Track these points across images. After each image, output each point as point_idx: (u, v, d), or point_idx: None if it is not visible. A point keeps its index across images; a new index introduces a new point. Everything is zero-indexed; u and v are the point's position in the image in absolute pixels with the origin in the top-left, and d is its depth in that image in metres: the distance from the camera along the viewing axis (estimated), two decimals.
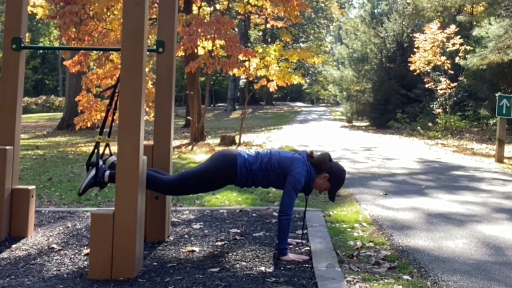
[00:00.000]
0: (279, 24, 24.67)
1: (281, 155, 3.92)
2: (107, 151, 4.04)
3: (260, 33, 43.86)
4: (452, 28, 17.31)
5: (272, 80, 13.43)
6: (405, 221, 5.07)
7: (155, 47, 4.22)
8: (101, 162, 3.83)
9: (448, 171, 8.71)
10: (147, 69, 10.32)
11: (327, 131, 20.22)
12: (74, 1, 12.06)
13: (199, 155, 11.37)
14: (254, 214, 5.21)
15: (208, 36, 11.72)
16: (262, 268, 3.46)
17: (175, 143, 14.14)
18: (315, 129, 21.61)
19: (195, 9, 15.09)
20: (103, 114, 12.18)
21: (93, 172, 3.78)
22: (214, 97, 47.66)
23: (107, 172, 3.77)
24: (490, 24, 13.85)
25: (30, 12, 16.18)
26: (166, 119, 4.20)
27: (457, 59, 16.41)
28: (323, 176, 3.87)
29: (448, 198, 6.25)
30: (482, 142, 14.59)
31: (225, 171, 3.82)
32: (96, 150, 3.85)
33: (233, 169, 3.80)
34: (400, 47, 21.93)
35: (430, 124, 18.59)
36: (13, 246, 3.97)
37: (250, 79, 14.16)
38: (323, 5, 42.99)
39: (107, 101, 13.08)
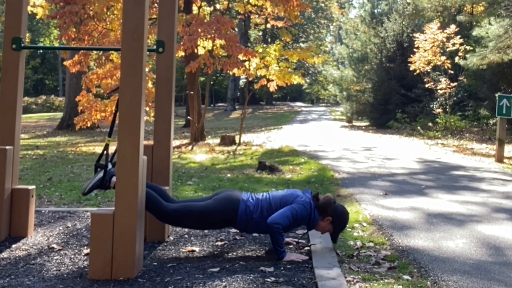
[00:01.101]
0: (279, 24, 24.67)
1: (281, 195, 3.91)
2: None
3: (260, 33, 43.85)
4: (452, 28, 17.31)
5: (272, 80, 13.43)
6: (405, 221, 5.07)
7: (155, 47, 4.22)
8: (110, 165, 3.82)
9: (448, 171, 8.71)
10: (147, 69, 10.32)
11: (327, 131, 20.22)
12: (74, 1, 12.06)
13: (199, 155, 11.37)
14: None
15: (208, 36, 11.72)
16: (262, 268, 3.46)
17: (175, 143, 14.14)
18: (315, 129, 21.61)
19: (195, 9, 15.09)
20: (103, 114, 12.19)
21: (101, 174, 3.78)
22: (214, 97, 47.65)
23: (114, 179, 3.72)
24: (490, 24, 13.85)
25: (30, 12, 16.18)
26: (166, 119, 4.20)
27: (457, 59, 16.42)
28: (326, 219, 3.88)
29: (448, 198, 6.25)
30: (482, 142, 14.59)
31: (225, 215, 3.80)
32: (105, 152, 3.85)
33: (234, 215, 3.79)
34: (400, 47, 21.93)
35: (430, 124, 18.59)
36: (13, 246, 3.97)
37: (250, 79, 14.16)
38: (323, 5, 43.00)
39: (107, 101, 13.12)
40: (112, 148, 3.93)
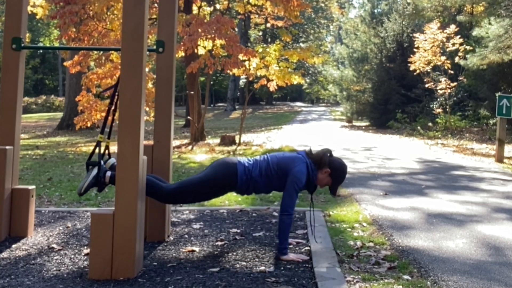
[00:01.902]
0: (279, 24, 24.70)
1: (279, 157, 3.92)
2: (107, 152, 4.03)
3: (260, 33, 43.85)
4: (452, 28, 17.31)
5: (272, 80, 13.43)
6: (405, 221, 5.07)
7: (155, 47, 4.22)
8: (102, 162, 3.82)
9: (448, 171, 8.71)
10: (147, 69, 10.32)
11: (327, 131, 20.22)
12: (74, 1, 12.05)
13: (199, 155, 11.37)
14: (254, 214, 5.21)
15: (209, 36, 11.71)
16: (262, 268, 3.46)
17: (175, 143, 14.14)
18: (315, 129, 21.60)
19: (195, 9, 15.09)
20: (103, 114, 12.17)
21: (94, 171, 3.77)
22: (214, 97, 47.66)
23: (108, 173, 3.75)
24: (490, 24, 13.85)
25: (30, 12, 16.17)
26: (166, 119, 4.20)
27: (457, 59, 16.41)
28: (324, 171, 3.86)
29: (448, 198, 6.25)
30: (482, 142, 14.59)
31: (225, 179, 3.81)
32: (97, 149, 3.85)
33: (234, 177, 3.79)
34: (400, 47, 21.93)
35: (430, 124, 18.59)
36: (13, 246, 3.97)
37: (250, 79, 14.16)
38: (323, 5, 42.98)
39: (107, 101, 13.10)
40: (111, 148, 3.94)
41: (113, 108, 4.03)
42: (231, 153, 11.89)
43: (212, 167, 3.90)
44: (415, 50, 18.46)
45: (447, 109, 18.22)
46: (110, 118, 4.00)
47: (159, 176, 4.17)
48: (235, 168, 3.81)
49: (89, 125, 12.90)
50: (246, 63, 12.81)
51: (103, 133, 3.95)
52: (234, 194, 6.35)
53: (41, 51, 48.96)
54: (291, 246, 4.04)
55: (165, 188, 3.82)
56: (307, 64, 36.32)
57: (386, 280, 3.34)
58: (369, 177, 8.02)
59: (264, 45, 16.79)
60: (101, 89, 13.29)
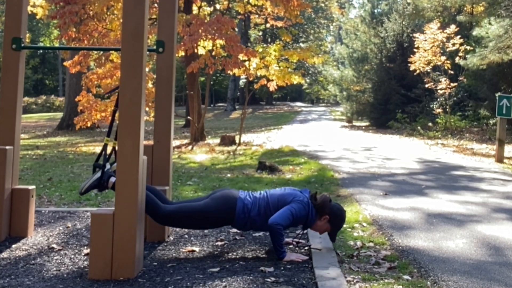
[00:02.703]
0: (279, 24, 24.62)
1: (279, 194, 3.90)
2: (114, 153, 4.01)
3: (260, 33, 43.84)
4: (452, 28, 17.31)
5: (272, 80, 13.43)
6: (405, 221, 5.07)
7: (155, 47, 4.22)
8: (108, 166, 3.82)
9: (448, 171, 8.71)
10: (147, 69, 10.31)
11: (327, 131, 20.22)
12: (74, 1, 12.05)
13: (199, 155, 11.37)
14: None
15: (209, 36, 11.71)
16: (262, 268, 3.46)
17: (175, 143, 14.14)
18: (315, 129, 21.61)
19: (195, 9, 15.09)
20: (103, 114, 12.18)
21: (98, 174, 3.78)
22: (214, 97, 47.64)
23: (113, 179, 3.72)
24: (490, 24, 13.84)
25: (30, 12, 16.17)
26: (166, 119, 4.20)
27: (457, 59, 16.41)
28: (323, 218, 3.87)
29: (448, 198, 6.25)
30: (482, 142, 14.59)
31: (223, 214, 3.79)
32: (103, 152, 3.84)
33: (232, 214, 3.78)
34: (400, 47, 21.93)
35: (430, 124, 18.58)
36: (13, 246, 3.97)
37: (251, 79, 14.16)
38: (323, 5, 42.96)
39: (107, 101, 13.12)
40: (110, 149, 3.93)
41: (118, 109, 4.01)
42: (231, 153, 11.89)
43: (212, 198, 3.87)
44: (415, 50, 18.46)
45: (447, 109, 18.22)
46: (116, 119, 4.00)
47: (160, 175, 4.17)
48: (234, 204, 3.79)
49: (89, 125, 12.91)
50: (246, 63, 12.81)
51: (109, 135, 3.93)
52: None
53: (41, 51, 48.95)
54: (291, 246, 4.04)
55: (162, 209, 3.76)
56: (307, 64, 36.30)
57: (386, 280, 3.34)
58: (369, 177, 8.02)
59: (264, 45, 16.79)
60: (101, 89, 13.29)
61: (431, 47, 17.81)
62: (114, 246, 3.26)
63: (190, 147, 13.39)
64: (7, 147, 4.09)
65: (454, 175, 8.33)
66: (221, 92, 49.07)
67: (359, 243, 4.22)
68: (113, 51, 12.32)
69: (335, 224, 3.93)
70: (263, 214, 3.80)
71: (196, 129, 14.60)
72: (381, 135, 18.31)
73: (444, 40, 17.56)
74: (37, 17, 17.97)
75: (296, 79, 13.34)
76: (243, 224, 3.85)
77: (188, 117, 16.59)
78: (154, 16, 12.84)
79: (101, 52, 13.57)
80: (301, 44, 40.23)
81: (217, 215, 3.79)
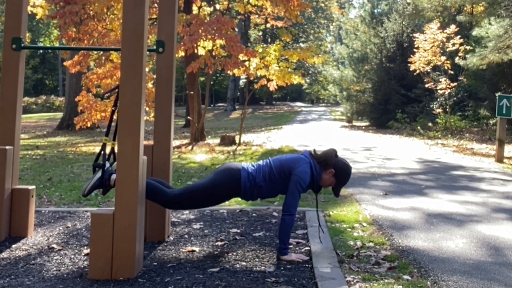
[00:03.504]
0: (279, 24, 24.65)
1: (281, 159, 3.90)
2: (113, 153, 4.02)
3: (260, 33, 43.85)
4: (452, 28, 17.31)
5: (272, 80, 13.43)
6: (405, 221, 5.07)
7: (155, 47, 4.22)
8: (108, 164, 3.82)
9: (448, 171, 8.71)
10: (147, 69, 10.31)
11: (327, 131, 20.22)
12: (74, 1, 12.05)
13: (199, 155, 11.37)
14: (254, 214, 5.21)
15: (209, 36, 11.71)
16: (262, 268, 3.46)
17: (175, 143, 14.14)
18: (315, 129, 21.61)
19: (195, 9, 15.09)
20: (103, 114, 12.18)
21: (99, 174, 3.78)
22: (214, 97, 47.65)
23: (114, 176, 3.72)
24: (490, 24, 13.84)
25: (30, 12, 16.17)
26: (166, 119, 4.20)
27: (457, 59, 16.41)
28: (328, 172, 3.85)
29: (448, 198, 6.25)
30: (482, 142, 14.59)
31: (229, 185, 3.80)
32: (102, 152, 3.84)
33: (237, 183, 3.79)
34: (400, 47, 21.93)
35: (430, 124, 18.58)
36: (13, 246, 3.97)
37: (251, 79, 14.16)
38: (323, 5, 42.96)
39: (107, 101, 13.11)
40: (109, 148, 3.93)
41: (117, 109, 4.02)
42: (231, 153, 11.89)
43: (215, 173, 3.88)
44: (415, 50, 18.46)
45: (447, 109, 18.22)
46: (115, 119, 4.00)
47: (160, 175, 4.17)
48: (238, 174, 3.80)
49: (89, 125, 12.90)
50: (246, 63, 12.81)
51: (107, 135, 3.94)
52: None
53: (41, 51, 48.96)
54: (291, 246, 4.04)
55: (169, 193, 3.80)
56: (307, 64, 36.30)
57: (386, 280, 3.34)
58: (369, 177, 8.02)
59: (264, 45, 16.79)
60: (101, 89, 13.30)
61: (431, 47, 17.81)
62: (114, 246, 3.26)
63: (190, 147, 13.38)
64: (7, 147, 4.09)
65: (454, 175, 8.33)
66: (221, 92, 49.07)
67: (359, 243, 4.21)
68: (113, 51, 12.31)
69: (340, 178, 3.89)
70: (268, 179, 3.80)
71: (196, 129, 14.60)
72: (381, 135, 18.31)
73: (444, 40, 17.56)
74: (37, 17, 17.97)
75: (296, 79, 13.34)
76: (250, 192, 3.84)
77: (188, 117, 16.59)
78: (154, 16, 12.85)
79: (101, 52, 13.57)
80: (301, 44, 40.24)
81: (223, 188, 3.80)
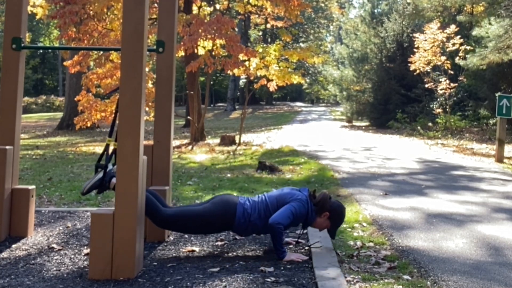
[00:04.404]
0: (279, 24, 24.65)
1: (277, 195, 3.92)
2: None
3: (260, 33, 43.85)
4: (452, 28, 17.31)
5: (272, 80, 13.43)
6: (405, 221, 5.07)
7: (155, 47, 4.23)
8: (110, 166, 3.82)
9: (448, 171, 8.71)
10: (147, 69, 10.31)
11: (327, 131, 20.22)
12: (74, 1, 12.05)
13: (199, 155, 11.37)
14: None
15: (209, 36, 11.72)
16: (262, 268, 3.46)
17: (175, 143, 14.14)
18: (315, 129, 21.61)
19: (195, 9, 15.09)
20: (103, 114, 12.19)
21: (100, 174, 3.78)
22: (214, 97, 47.65)
23: (114, 180, 3.72)
24: (490, 24, 13.84)
25: (30, 12, 16.18)
26: (166, 119, 4.20)
27: (457, 59, 16.41)
28: (323, 215, 3.88)
29: (448, 198, 6.25)
30: (482, 142, 14.59)
31: (223, 218, 3.79)
32: (105, 153, 3.84)
33: (232, 218, 3.78)
34: (400, 47, 21.93)
35: (430, 124, 18.58)
36: (13, 246, 3.97)
37: (251, 78, 14.17)
38: (323, 5, 42.98)
39: (107, 101, 13.10)
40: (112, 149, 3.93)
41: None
42: (231, 153, 11.89)
43: (212, 203, 3.86)
44: (415, 50, 18.46)
45: (447, 109, 18.22)
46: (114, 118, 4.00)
47: (160, 175, 4.17)
48: (234, 209, 3.79)
49: (89, 125, 12.91)
50: (246, 63, 12.81)
51: (111, 135, 3.94)
52: (235, 193, 6.36)
53: (41, 51, 48.95)
54: (291, 246, 4.04)
55: (162, 213, 3.76)
56: (307, 64, 36.33)
57: (386, 280, 3.34)
58: (369, 177, 8.02)
59: (264, 45, 16.79)
60: (101, 89, 13.30)
61: (431, 47, 17.81)
62: (114, 246, 3.26)
63: (190, 147, 13.38)
64: (7, 147, 4.09)
65: (454, 175, 8.33)
66: (221, 92, 49.07)
67: (359, 243, 4.21)
68: (113, 51, 12.31)
69: (335, 221, 3.93)
70: (263, 217, 3.80)
71: (196, 129, 14.60)
72: (381, 135, 18.31)
73: (444, 40, 17.56)
74: (37, 17, 17.99)
75: (296, 79, 13.34)
76: (244, 228, 3.84)
77: (188, 117, 16.60)
78: (154, 16, 12.85)
79: (101, 52, 13.57)
80: (301, 44, 40.24)
81: (217, 220, 3.79)
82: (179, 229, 3.98)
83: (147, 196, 3.65)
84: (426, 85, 18.19)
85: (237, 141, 14.08)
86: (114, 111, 4.09)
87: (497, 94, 11.30)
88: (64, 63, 13.89)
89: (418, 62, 18.13)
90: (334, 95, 34.42)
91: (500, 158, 10.19)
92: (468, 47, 16.07)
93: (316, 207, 3.86)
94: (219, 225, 3.85)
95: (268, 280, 3.24)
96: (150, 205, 3.67)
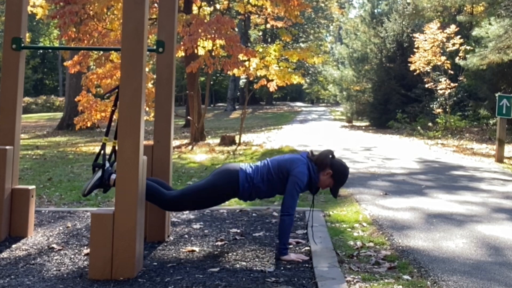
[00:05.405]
0: (279, 24, 24.67)
1: (279, 160, 3.92)
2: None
3: (260, 33, 43.85)
4: (452, 28, 17.31)
5: (272, 80, 13.43)
6: (405, 221, 5.07)
7: (155, 47, 4.22)
8: (107, 164, 3.82)
9: (448, 171, 8.71)
10: (147, 69, 10.31)
11: (327, 131, 20.22)
12: (74, 1, 12.05)
13: (199, 155, 11.37)
14: (254, 214, 5.21)
15: (209, 36, 11.72)
16: (262, 268, 3.46)
17: (175, 143, 14.14)
18: (315, 129, 21.61)
19: (195, 9, 15.09)
20: (103, 114, 12.18)
21: (99, 173, 3.78)
22: (214, 97, 47.66)
23: (113, 176, 3.73)
24: (490, 24, 13.84)
25: (30, 12, 16.18)
26: (166, 119, 4.20)
27: (457, 59, 16.41)
28: (326, 173, 3.87)
29: (447, 198, 6.25)
30: (482, 142, 14.59)
31: (227, 186, 3.81)
32: (102, 152, 3.85)
33: (236, 184, 3.80)
34: (400, 47, 21.93)
35: (430, 124, 18.58)
36: (13, 246, 3.97)
37: (251, 79, 14.17)
38: (323, 5, 42.99)
39: (107, 101, 13.10)
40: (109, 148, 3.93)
41: (117, 108, 4.02)
42: (231, 153, 11.89)
43: (214, 174, 3.90)
44: (415, 50, 18.46)
45: (447, 109, 18.22)
46: (114, 119, 4.00)
47: (160, 175, 4.17)
48: (236, 176, 3.81)
49: (89, 125, 12.91)
50: (246, 63, 12.81)
51: (107, 135, 3.94)
52: None
53: (41, 51, 48.94)
54: (291, 246, 4.04)
55: (167, 195, 3.81)
56: (307, 64, 36.31)
57: (386, 280, 3.34)
58: (369, 177, 8.02)
59: (264, 45, 16.80)
60: (101, 89, 13.30)
61: (431, 47, 17.81)
62: (114, 246, 3.26)
63: (190, 147, 13.38)
64: (7, 147, 4.09)
65: (454, 175, 8.33)
66: (221, 92, 49.08)
67: (359, 243, 4.21)
68: (113, 51, 12.31)
69: (337, 179, 3.91)
70: (266, 180, 3.82)
71: (196, 129, 14.60)
72: (381, 135, 18.31)
73: (444, 40, 17.56)
74: (37, 17, 18.00)
75: (296, 79, 13.34)
76: (248, 193, 3.85)
77: (188, 117, 16.60)
78: (154, 16, 12.85)
79: (101, 52, 13.57)
80: (301, 44, 40.24)
81: (222, 189, 3.81)
82: (187, 207, 4.02)
83: (149, 184, 3.66)
84: (426, 85, 18.18)
85: (237, 141, 14.08)
86: (111, 110, 4.09)
87: (497, 94, 11.30)
88: (64, 63, 13.90)
89: (418, 62, 18.13)
90: (334, 95, 34.42)
91: (500, 158, 10.19)
92: (468, 47, 16.07)
93: (316, 165, 3.85)
94: (225, 194, 3.86)
95: (268, 280, 3.24)
96: (153, 191, 3.71)
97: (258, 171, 3.85)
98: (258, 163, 3.97)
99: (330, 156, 3.91)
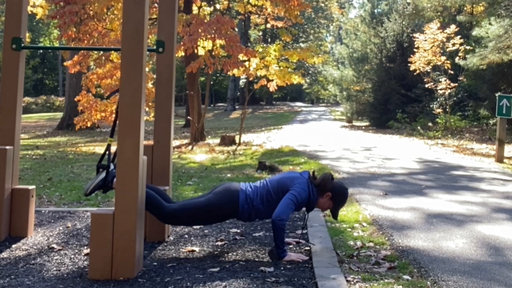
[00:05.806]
0: (279, 24, 24.66)
1: (278, 179, 3.92)
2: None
3: (260, 33, 43.84)
4: (452, 28, 17.31)
5: (272, 80, 13.43)
6: (405, 221, 5.07)
7: (155, 47, 4.22)
8: (112, 166, 3.81)
9: (448, 171, 8.71)
10: (147, 69, 10.31)
11: (327, 131, 20.22)
12: (74, 1, 12.06)
13: (199, 155, 11.37)
14: None
15: (209, 36, 11.72)
16: (262, 268, 3.46)
17: (175, 143, 14.14)
18: (315, 129, 21.61)
19: (195, 9, 15.09)
20: (103, 114, 12.19)
21: (103, 174, 3.77)
22: (214, 97, 47.64)
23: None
24: (490, 24, 13.84)
25: (30, 12, 16.18)
26: (166, 119, 4.20)
27: (457, 59, 16.41)
28: (325, 195, 3.88)
29: (447, 198, 6.25)
30: (482, 142, 14.59)
31: (227, 206, 3.80)
32: (107, 153, 3.84)
33: (235, 205, 3.79)
34: (400, 47, 21.93)
35: (430, 124, 18.58)
36: (13, 246, 3.97)
37: (250, 79, 14.17)
38: (323, 5, 42.99)
39: (107, 101, 13.09)
40: (114, 149, 3.92)
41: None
42: (231, 153, 11.89)
43: (214, 193, 3.87)
44: (415, 50, 18.46)
45: (447, 109, 18.22)
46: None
47: (160, 174, 4.17)
48: (237, 196, 3.80)
49: (89, 125, 12.92)
50: (246, 63, 12.81)
51: (112, 136, 3.93)
52: None
53: (41, 51, 48.94)
54: (291, 246, 4.04)
55: (166, 208, 3.77)
56: (307, 64, 36.30)
57: (386, 280, 3.34)
58: (369, 177, 8.02)
59: (264, 45, 16.80)
60: (101, 89, 13.30)
61: (431, 47, 17.81)
62: (114, 246, 3.26)
63: (190, 147, 13.39)
64: (7, 147, 4.09)
65: (454, 175, 8.33)
66: (221, 92, 49.06)
67: (359, 243, 4.21)
68: (113, 51, 12.31)
69: (337, 201, 3.93)
70: (265, 202, 3.81)
71: (196, 129, 14.61)
72: (381, 135, 18.31)
73: (444, 40, 17.56)
74: (37, 17, 18.00)
75: (296, 79, 13.34)
76: (247, 215, 3.85)
77: (188, 117, 16.60)
78: (154, 16, 12.85)
79: (101, 52, 13.57)
80: (301, 44, 40.24)
81: (221, 209, 3.80)
82: (185, 223, 4.00)
83: (149, 193, 3.65)
84: (426, 85, 18.19)
85: (237, 141, 14.08)
86: (115, 111, 4.08)
87: (497, 94, 11.30)
88: (64, 63, 13.91)
89: (418, 62, 18.13)
90: (334, 95, 34.41)
91: (500, 158, 10.19)
92: (468, 47, 16.07)
93: (317, 188, 3.86)
94: (224, 214, 3.86)
95: (268, 280, 3.24)
96: (152, 202, 3.69)
97: (258, 193, 3.84)
98: (258, 183, 3.95)
99: (331, 179, 3.92)
